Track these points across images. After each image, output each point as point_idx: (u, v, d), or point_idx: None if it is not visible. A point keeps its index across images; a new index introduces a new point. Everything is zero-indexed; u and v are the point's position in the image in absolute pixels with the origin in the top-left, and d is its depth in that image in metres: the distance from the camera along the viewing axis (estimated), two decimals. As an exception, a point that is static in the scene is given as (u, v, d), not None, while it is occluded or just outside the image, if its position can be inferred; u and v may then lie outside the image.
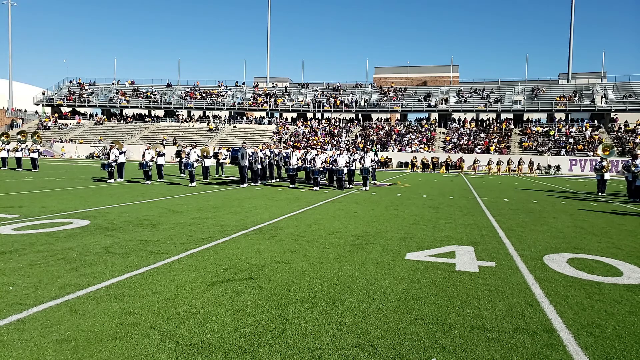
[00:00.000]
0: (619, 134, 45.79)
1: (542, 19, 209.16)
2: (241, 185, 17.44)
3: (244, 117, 61.49)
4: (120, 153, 18.89)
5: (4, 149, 25.69)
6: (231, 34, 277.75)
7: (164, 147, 21.38)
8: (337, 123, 57.03)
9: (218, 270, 5.20)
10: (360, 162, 18.11)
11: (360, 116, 58.59)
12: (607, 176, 18.60)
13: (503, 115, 54.83)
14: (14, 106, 66.49)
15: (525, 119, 53.81)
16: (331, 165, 17.78)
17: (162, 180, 19.20)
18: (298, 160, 18.75)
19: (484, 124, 53.75)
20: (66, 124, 60.64)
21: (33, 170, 23.47)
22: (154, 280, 4.78)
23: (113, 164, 18.14)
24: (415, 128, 53.51)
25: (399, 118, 58.58)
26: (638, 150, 16.22)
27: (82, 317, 3.70)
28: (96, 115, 64.52)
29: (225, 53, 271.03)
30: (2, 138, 26.62)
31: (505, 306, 4.24)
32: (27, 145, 26.46)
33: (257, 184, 18.34)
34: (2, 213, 9.12)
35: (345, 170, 17.36)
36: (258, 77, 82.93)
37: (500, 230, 8.48)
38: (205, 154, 20.32)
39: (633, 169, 15.41)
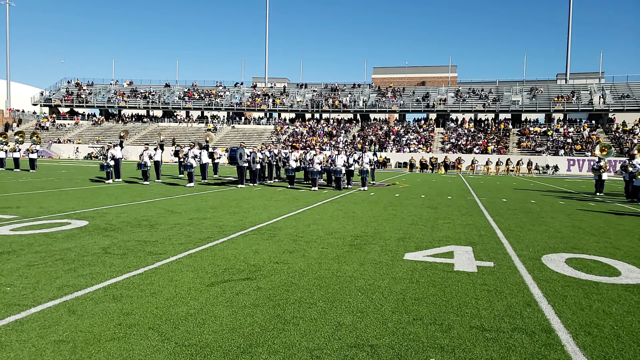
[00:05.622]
0: (617, 134, 45.89)
1: (540, 20, 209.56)
2: (239, 186, 17.43)
3: (243, 118, 61.46)
4: (118, 145, 18.83)
5: (2, 150, 25.64)
6: (230, 34, 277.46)
7: (163, 147, 21.35)
8: (336, 123, 57.05)
9: (216, 271, 5.20)
10: (358, 162, 18.12)
11: (358, 116, 58.61)
12: (604, 176, 18.65)
13: (501, 116, 54.93)
14: (11, 106, 66.35)
15: (523, 119, 53.90)
16: (330, 166, 17.79)
17: (160, 180, 19.18)
18: (297, 160, 18.74)
19: (482, 124, 53.83)
20: (64, 124, 60.54)
21: (31, 170, 23.42)
22: (152, 280, 4.77)
23: (111, 163, 18.10)
24: (413, 128, 53.55)
25: (397, 118, 58.62)
26: (635, 151, 16.26)
27: (80, 318, 3.70)
28: (94, 115, 64.41)
29: (223, 53, 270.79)
30: (0, 139, 26.56)
31: (503, 306, 4.25)
32: (20, 147, 26.38)
33: (255, 184, 18.33)
34: (0, 214, 9.10)
35: (344, 171, 17.37)
36: (256, 77, 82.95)
37: (499, 230, 8.50)
38: (207, 140, 20.29)
39: (630, 169, 15.45)
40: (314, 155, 17.79)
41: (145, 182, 17.85)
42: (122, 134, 18.74)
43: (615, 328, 3.79)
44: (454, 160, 42.75)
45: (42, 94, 65.46)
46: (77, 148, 51.11)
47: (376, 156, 24.58)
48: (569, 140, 46.19)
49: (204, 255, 5.92)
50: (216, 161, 24.14)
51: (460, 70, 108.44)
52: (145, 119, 62.22)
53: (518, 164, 39.76)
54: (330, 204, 12.23)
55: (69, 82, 67.95)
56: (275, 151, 21.41)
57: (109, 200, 11.92)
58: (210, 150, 22.96)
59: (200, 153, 19.80)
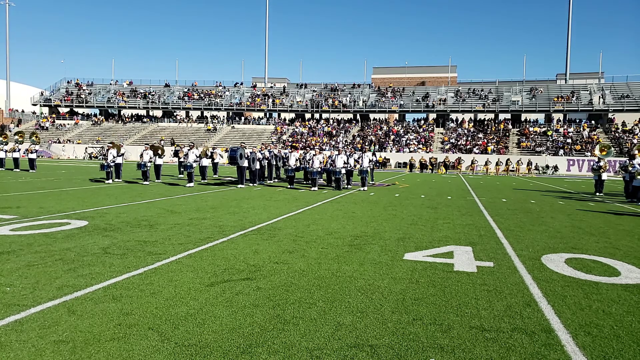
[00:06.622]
0: (617, 134, 45.91)
1: (540, 20, 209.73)
2: (239, 186, 17.43)
3: (242, 118, 61.46)
4: (119, 155, 18.86)
5: (2, 150, 25.62)
6: (229, 34, 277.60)
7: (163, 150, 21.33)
8: (335, 123, 57.04)
9: (216, 271, 5.20)
10: (358, 162, 18.12)
11: (358, 116, 58.61)
12: (604, 176, 18.65)
13: (501, 116, 54.94)
14: (11, 106, 66.31)
15: (523, 119, 53.91)
16: (329, 166, 17.79)
17: (159, 180, 19.17)
18: (296, 160, 18.75)
19: (482, 124, 53.84)
20: (64, 124, 60.52)
21: (31, 170, 23.41)
22: (152, 280, 4.77)
23: (111, 164, 18.11)
24: (413, 128, 53.56)
25: (397, 118, 58.61)
26: (635, 150, 16.27)
27: (80, 318, 3.70)
28: (94, 115, 64.39)
29: (223, 53, 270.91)
30: (0, 139, 26.55)
31: (503, 306, 4.25)
32: (19, 147, 26.37)
33: (255, 185, 18.33)
34: (0, 214, 9.09)
35: (344, 171, 17.38)
36: (256, 77, 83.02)
37: (499, 231, 8.50)
38: (206, 153, 20.33)
39: (630, 169, 15.46)
40: (314, 155, 17.79)
41: (145, 182, 17.85)
42: (115, 149, 18.74)
43: (615, 328, 3.80)
44: (454, 161, 42.75)
45: (42, 94, 65.42)
46: (86, 148, 50.96)
47: (375, 156, 24.60)
48: (569, 141, 46.20)
49: (203, 256, 5.92)
50: (216, 161, 24.14)
51: (460, 70, 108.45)
52: (145, 119, 62.20)
53: (518, 163, 39.77)
54: (330, 204, 12.23)
55: (68, 82, 67.90)
56: (275, 151, 21.41)
57: (108, 200, 11.92)
58: (210, 151, 22.95)
59: (200, 155, 19.79)
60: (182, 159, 20.12)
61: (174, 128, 57.97)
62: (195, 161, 18.34)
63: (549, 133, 48.20)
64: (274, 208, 11.03)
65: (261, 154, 19.37)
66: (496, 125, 52.33)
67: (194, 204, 11.41)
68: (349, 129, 54.82)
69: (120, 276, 4.89)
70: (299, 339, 3.40)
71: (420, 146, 48.48)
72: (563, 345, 3.43)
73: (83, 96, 63.74)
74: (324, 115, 59.75)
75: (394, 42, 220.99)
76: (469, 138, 49.44)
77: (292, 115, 61.11)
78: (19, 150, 25.93)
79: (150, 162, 18.68)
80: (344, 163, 17.40)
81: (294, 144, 47.19)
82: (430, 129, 52.87)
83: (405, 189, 18.44)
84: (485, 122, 54.05)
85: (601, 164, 18.55)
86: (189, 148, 18.92)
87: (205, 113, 62.86)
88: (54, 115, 63.08)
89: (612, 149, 22.90)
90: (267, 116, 60.40)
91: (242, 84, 66.22)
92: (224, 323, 3.67)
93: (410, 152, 47.03)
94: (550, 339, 3.54)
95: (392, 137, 51.08)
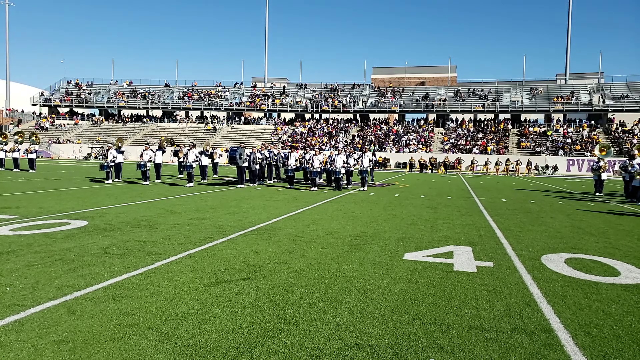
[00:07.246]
0: (616, 134, 45.92)
1: (540, 20, 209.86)
2: (239, 186, 17.42)
3: (242, 118, 61.46)
4: (119, 152, 18.86)
5: (1, 150, 25.60)
6: (229, 34, 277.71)
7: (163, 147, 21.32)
8: (335, 123, 57.04)
9: (216, 271, 5.20)
10: (358, 162, 18.12)
11: (358, 116, 58.61)
12: (604, 176, 18.65)
13: (501, 116, 54.95)
14: (11, 106, 66.30)
15: (522, 119, 53.93)
16: (329, 166, 17.79)
17: (159, 180, 19.17)
18: (296, 160, 18.74)
19: (482, 124, 53.85)
20: (64, 124, 60.51)
21: (30, 170, 23.40)
22: (151, 281, 4.77)
23: (111, 164, 18.10)
24: (413, 128, 53.57)
25: (397, 118, 58.64)
26: (635, 150, 16.27)
27: (79, 318, 3.70)
28: (94, 115, 64.38)
29: (223, 53, 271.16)
30: (0, 139, 26.54)
31: (503, 306, 4.25)
32: (19, 147, 26.37)
33: (255, 185, 18.33)
34: (0, 214, 9.09)
35: (343, 171, 17.37)
36: (256, 77, 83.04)
37: (498, 231, 8.50)
38: (207, 149, 20.37)
39: (630, 169, 15.47)
40: (314, 155, 17.78)
41: (145, 182, 17.85)
42: (116, 146, 18.79)
43: (614, 328, 3.80)
44: (454, 161, 42.76)
45: (41, 94, 65.38)
46: (92, 148, 50.87)
47: (375, 156, 24.60)
48: (569, 141, 46.21)
49: (203, 256, 5.92)
50: (216, 161, 24.12)
51: (459, 70, 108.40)
52: (144, 119, 62.19)
53: (517, 163, 39.79)
54: (330, 204, 12.23)
55: (68, 82, 67.88)
56: (275, 151, 21.41)
57: (108, 200, 11.92)
58: (210, 151, 22.92)
59: (200, 155, 19.80)
60: (182, 159, 20.11)
61: (173, 128, 57.97)
62: (195, 161, 18.33)
63: (549, 133, 48.22)
64: (274, 208, 11.03)
65: (261, 154, 19.37)
66: (496, 125, 52.34)
67: (194, 204, 11.41)
68: (348, 129, 54.81)
69: (120, 276, 4.89)
70: (299, 339, 3.41)
71: (420, 146, 48.48)
72: (563, 345, 3.43)
73: (83, 96, 63.72)
74: (324, 115, 59.74)
75: (394, 42, 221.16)
76: (469, 138, 49.45)
77: (292, 115, 61.10)
78: (19, 150, 25.92)
79: (150, 162, 18.67)
80: (344, 163, 17.40)
81: (294, 144, 47.18)
82: (430, 129, 52.88)
83: (405, 189, 18.44)
84: (485, 122, 54.07)
85: (601, 164, 18.56)
86: (188, 148, 18.92)
87: (205, 113, 62.86)
88: (53, 115, 63.06)
89: (612, 149, 22.90)
90: (267, 116, 60.38)
91: (242, 84, 66.23)
92: (224, 323, 3.67)
93: (410, 152, 47.04)
94: (550, 338, 3.54)
95: (392, 137, 51.09)
